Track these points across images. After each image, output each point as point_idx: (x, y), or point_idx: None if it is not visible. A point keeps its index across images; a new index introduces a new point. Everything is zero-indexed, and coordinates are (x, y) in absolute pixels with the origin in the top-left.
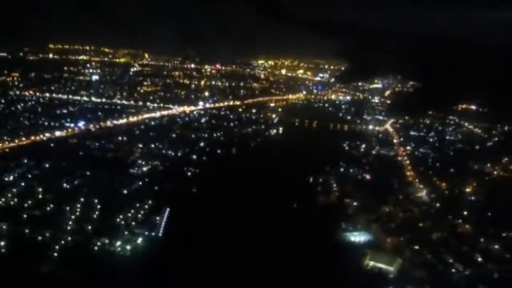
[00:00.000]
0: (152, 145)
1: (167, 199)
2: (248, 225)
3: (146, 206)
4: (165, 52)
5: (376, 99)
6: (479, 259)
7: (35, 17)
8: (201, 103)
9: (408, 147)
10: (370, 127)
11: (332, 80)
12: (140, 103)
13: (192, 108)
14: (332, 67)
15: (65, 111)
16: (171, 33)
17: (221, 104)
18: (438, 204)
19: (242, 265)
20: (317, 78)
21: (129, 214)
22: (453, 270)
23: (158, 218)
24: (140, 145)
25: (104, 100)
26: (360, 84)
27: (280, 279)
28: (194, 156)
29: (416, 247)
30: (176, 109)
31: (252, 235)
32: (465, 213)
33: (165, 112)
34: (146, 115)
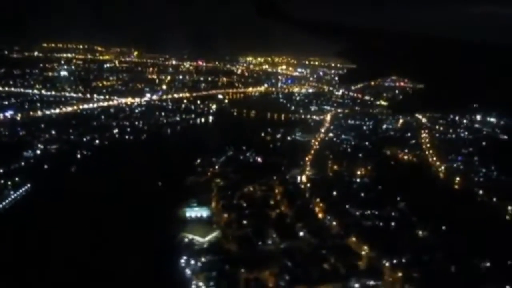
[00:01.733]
0: (64, 132)
1: (38, 177)
2: (101, 202)
3: (10, 182)
4: (159, 51)
5: (339, 92)
6: (302, 234)
7: (35, 17)
8: (148, 95)
9: (331, 134)
10: (308, 116)
11: (312, 77)
12: (88, 95)
13: (137, 99)
14: (322, 64)
15: (6, 102)
16: (170, 33)
17: (169, 96)
18: (308, 185)
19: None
20: (295, 74)
21: None
22: (260, 243)
23: (12, 192)
24: (53, 132)
25: (53, 93)
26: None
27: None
28: (97, 141)
29: (244, 222)
30: (117, 101)
31: (99, 211)
32: (334, 193)
33: (104, 104)
34: (82, 106)
